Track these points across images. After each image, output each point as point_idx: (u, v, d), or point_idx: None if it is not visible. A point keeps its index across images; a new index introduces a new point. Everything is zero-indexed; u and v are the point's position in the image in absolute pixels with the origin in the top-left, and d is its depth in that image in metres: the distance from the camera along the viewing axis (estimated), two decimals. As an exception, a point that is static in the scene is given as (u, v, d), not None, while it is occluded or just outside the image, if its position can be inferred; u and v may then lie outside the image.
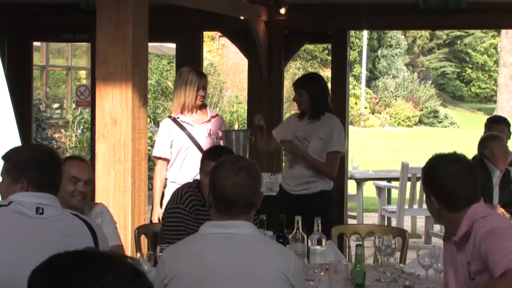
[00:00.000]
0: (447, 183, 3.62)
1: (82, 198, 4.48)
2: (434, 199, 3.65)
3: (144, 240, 5.24)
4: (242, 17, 8.29)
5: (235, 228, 3.33)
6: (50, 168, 3.58)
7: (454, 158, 3.69)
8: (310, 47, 25.52)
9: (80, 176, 4.44)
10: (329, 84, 8.22)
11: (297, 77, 10.71)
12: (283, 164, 8.05)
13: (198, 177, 5.14)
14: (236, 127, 16.93)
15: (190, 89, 6.34)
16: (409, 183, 9.92)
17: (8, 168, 3.61)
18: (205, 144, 6.35)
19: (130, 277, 1.93)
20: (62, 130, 16.44)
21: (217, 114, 6.72)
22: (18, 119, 6.35)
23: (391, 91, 29.77)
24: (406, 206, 9.95)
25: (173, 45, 10.44)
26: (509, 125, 7.71)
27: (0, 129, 6.01)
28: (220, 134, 6.53)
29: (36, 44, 14.46)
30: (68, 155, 14.34)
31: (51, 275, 1.93)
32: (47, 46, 18.16)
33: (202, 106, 6.50)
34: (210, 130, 6.47)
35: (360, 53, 29.20)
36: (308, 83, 6.46)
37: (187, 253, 3.35)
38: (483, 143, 6.85)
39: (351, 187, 10.26)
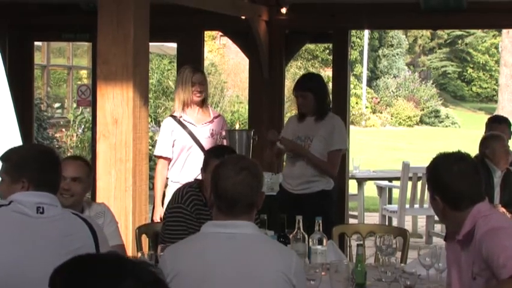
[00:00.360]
0: (451, 182, 3.61)
1: (69, 196, 4.41)
2: (438, 198, 3.65)
3: (145, 240, 5.24)
4: (243, 17, 8.28)
5: (236, 228, 3.33)
6: (50, 167, 3.58)
7: (459, 157, 3.69)
8: (311, 46, 25.54)
9: (64, 173, 4.28)
10: (330, 84, 8.22)
11: (297, 76, 10.67)
12: (284, 163, 8.04)
13: (199, 177, 5.13)
14: (237, 127, 16.93)
15: (185, 85, 6.36)
16: (410, 183, 9.92)
17: (8, 168, 3.60)
18: (207, 144, 6.35)
19: (149, 283, 1.94)
20: (63, 130, 16.43)
21: (219, 115, 6.73)
22: (19, 119, 6.35)
23: (392, 91, 29.75)
24: (407, 206, 9.95)
25: (174, 45, 10.42)
26: (510, 125, 7.70)
27: (1, 128, 6.01)
28: (223, 133, 6.53)
29: (37, 43, 14.44)
30: (68, 154, 14.33)
31: (71, 278, 1.94)
32: (48, 46, 18.13)
33: (204, 106, 6.49)
34: (213, 130, 6.47)
35: (361, 52, 29.17)
36: (310, 84, 6.45)
37: (188, 252, 3.35)
38: (484, 143, 6.84)
39: (352, 187, 10.25)
